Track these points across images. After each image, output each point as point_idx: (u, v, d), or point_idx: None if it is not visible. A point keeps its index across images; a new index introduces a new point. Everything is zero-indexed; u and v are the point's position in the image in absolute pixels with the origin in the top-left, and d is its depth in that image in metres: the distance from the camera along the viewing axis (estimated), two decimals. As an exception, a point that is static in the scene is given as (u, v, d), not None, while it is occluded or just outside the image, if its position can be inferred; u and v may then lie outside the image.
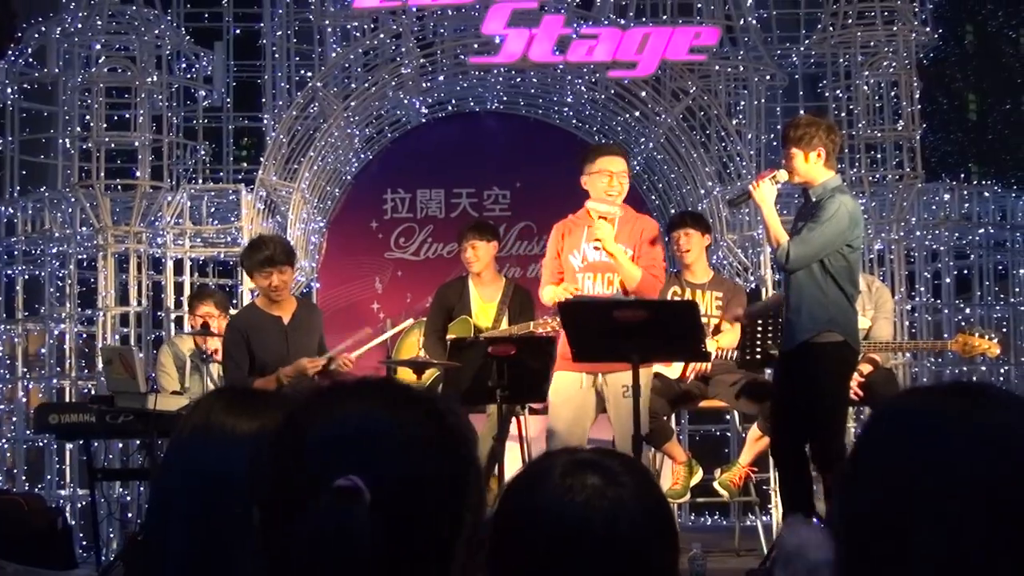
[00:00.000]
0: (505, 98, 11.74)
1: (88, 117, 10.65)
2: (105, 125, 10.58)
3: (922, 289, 11.03)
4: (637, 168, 11.43)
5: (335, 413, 1.76)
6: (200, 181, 11.40)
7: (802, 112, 11.44)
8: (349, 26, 11.50)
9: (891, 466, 1.61)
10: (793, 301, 7.26)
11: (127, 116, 10.72)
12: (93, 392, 10.17)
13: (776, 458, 7.78)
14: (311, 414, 1.77)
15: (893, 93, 11.01)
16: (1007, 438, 1.58)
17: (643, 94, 11.00)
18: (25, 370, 11.00)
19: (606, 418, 7.67)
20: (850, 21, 11.03)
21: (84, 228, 10.66)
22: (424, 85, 11.25)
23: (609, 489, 1.79)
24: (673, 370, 8.91)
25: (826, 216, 7.14)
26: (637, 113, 11.16)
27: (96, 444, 9.64)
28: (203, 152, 11.68)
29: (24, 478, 10.72)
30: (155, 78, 10.67)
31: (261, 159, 10.97)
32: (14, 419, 10.88)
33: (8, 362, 11.07)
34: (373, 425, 1.74)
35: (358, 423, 1.74)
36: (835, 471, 7.17)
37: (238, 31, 12.27)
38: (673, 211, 10.84)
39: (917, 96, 10.98)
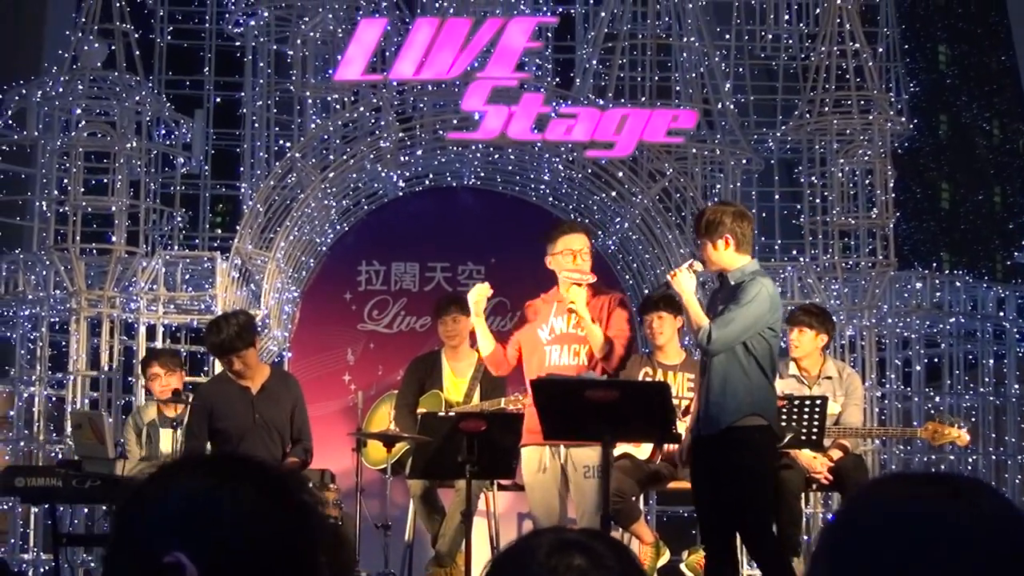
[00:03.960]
0: (482, 174, 11.77)
1: (66, 181, 10.66)
2: (82, 189, 10.60)
3: (892, 376, 11.07)
4: (612, 248, 11.47)
5: (169, 488, 1.77)
6: (175, 248, 11.40)
7: (777, 196, 11.55)
8: (329, 98, 11.58)
9: (870, 555, 1.61)
10: (715, 385, 7.02)
11: (104, 181, 10.74)
12: (61, 456, 10.11)
13: (708, 550, 7.57)
14: (149, 490, 1.78)
15: (868, 181, 11.10)
16: (988, 533, 1.59)
17: (620, 174, 11.05)
18: (-7, 432, 10.96)
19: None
20: (827, 109, 11.13)
21: (57, 291, 10.64)
22: (402, 159, 11.28)
23: (594, 572, 1.73)
24: (642, 451, 8.90)
25: (747, 298, 6.97)
26: (614, 193, 11.21)
27: (62, 509, 9.57)
28: (179, 219, 11.69)
29: (-13, 541, 10.65)
30: (134, 144, 10.70)
31: (237, 227, 10.98)
32: (-21, 481, 10.79)
33: (-25, 423, 11.02)
34: (202, 500, 1.75)
35: (188, 498, 1.75)
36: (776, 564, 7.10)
37: (219, 99, 12.35)
38: (647, 291, 10.86)
39: (891, 184, 11.08)
